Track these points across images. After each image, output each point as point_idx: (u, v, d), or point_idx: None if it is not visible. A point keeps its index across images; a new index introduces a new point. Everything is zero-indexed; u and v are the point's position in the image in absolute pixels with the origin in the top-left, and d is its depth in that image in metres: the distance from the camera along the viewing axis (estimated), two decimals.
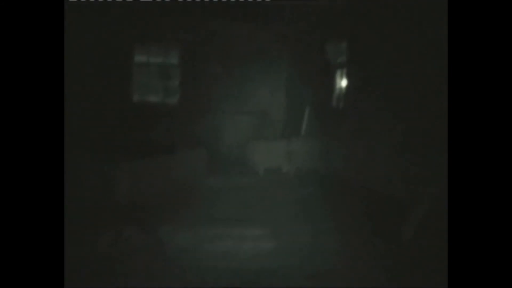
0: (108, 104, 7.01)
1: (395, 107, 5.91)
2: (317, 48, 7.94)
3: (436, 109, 4.76)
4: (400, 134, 5.75)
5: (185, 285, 3.19)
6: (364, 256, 3.81)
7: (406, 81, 5.66)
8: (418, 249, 3.87)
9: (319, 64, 7.92)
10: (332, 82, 7.94)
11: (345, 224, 4.66)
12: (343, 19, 7.21)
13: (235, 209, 5.16)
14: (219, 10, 7.29)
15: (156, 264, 3.54)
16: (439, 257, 2.77)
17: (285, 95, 8.52)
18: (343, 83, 7.75)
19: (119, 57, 7.39)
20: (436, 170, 4.48)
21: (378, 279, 3.36)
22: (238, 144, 7.68)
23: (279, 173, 7.18)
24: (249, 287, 3.19)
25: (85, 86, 6.81)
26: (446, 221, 1.97)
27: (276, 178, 6.92)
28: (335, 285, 3.27)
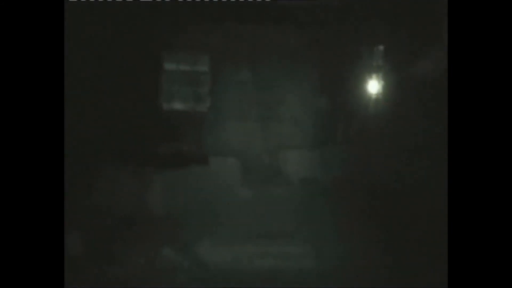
0: (135, 112, 6.78)
1: (437, 110, 5.55)
2: (351, 51, 7.59)
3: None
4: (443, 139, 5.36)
5: None
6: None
7: (447, 83, 5.31)
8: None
9: (354, 68, 7.57)
10: (368, 87, 7.58)
11: (392, 241, 4.31)
12: (379, 21, 6.89)
13: (273, 223, 4.86)
14: (248, 13, 7.02)
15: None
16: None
17: (318, 101, 8.18)
18: (380, 87, 7.39)
19: (147, 64, 7.19)
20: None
21: None
22: (270, 152, 7.36)
23: (315, 183, 6.81)
24: None
25: (112, 93, 6.62)
26: (446, 221, 1.99)
27: (312, 189, 6.56)
28: None
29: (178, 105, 8.02)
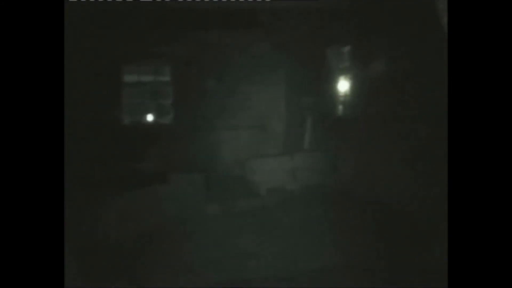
0: (93, 127, 6.41)
1: (404, 113, 5.46)
2: (318, 54, 7.45)
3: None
4: (411, 142, 5.28)
5: None
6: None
7: (414, 85, 5.23)
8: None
9: (321, 71, 7.43)
10: (335, 90, 7.45)
11: (366, 250, 4.15)
12: (345, 23, 6.76)
13: (239, 243, 4.60)
14: (212, 20, 6.79)
15: None
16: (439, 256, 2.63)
17: (285, 107, 8.00)
18: (348, 90, 7.28)
19: (106, 76, 6.86)
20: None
21: None
22: (237, 163, 7.15)
23: (284, 192, 6.62)
24: None
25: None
26: (446, 221, 1.98)
27: (281, 199, 6.37)
28: None
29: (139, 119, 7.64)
